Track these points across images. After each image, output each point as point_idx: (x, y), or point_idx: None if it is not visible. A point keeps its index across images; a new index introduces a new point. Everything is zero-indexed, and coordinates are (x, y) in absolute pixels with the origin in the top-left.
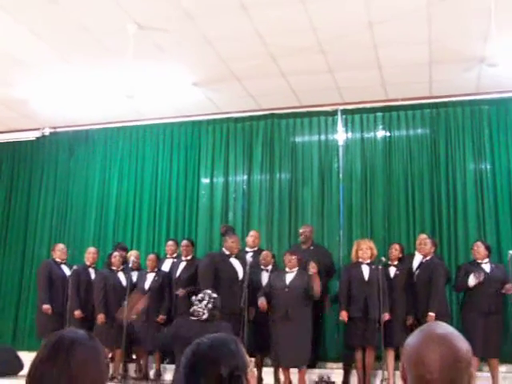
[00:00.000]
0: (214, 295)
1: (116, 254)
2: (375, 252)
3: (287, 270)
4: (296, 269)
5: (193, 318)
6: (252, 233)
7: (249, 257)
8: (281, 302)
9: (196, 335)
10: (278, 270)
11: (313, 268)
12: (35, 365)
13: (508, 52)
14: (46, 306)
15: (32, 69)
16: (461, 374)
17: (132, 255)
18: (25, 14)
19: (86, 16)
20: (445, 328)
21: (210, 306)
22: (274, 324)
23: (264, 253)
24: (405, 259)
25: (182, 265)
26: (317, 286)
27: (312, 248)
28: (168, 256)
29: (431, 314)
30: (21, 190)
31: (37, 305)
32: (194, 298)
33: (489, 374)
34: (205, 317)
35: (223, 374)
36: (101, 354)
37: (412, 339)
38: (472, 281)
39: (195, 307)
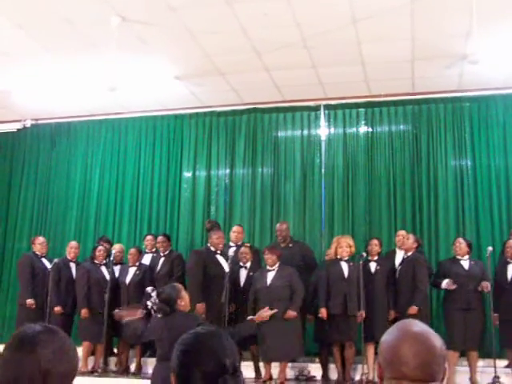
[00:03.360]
0: (159, 290)
1: (101, 247)
2: (354, 249)
3: (268, 268)
4: (277, 265)
5: (158, 315)
6: (235, 228)
7: (231, 252)
8: (264, 300)
9: (159, 330)
10: (260, 267)
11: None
12: (4, 363)
13: (489, 50)
14: (30, 301)
15: (13, 60)
16: (438, 370)
17: (115, 249)
18: (6, 4)
19: (69, 7)
20: (419, 325)
21: (156, 301)
22: (260, 323)
23: (242, 249)
24: (386, 255)
25: (161, 260)
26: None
27: (291, 245)
28: (147, 250)
29: (414, 307)
30: (1, 181)
31: (17, 298)
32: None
33: (467, 369)
34: (151, 311)
35: (227, 364)
36: (69, 345)
37: (388, 337)
38: (444, 285)
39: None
